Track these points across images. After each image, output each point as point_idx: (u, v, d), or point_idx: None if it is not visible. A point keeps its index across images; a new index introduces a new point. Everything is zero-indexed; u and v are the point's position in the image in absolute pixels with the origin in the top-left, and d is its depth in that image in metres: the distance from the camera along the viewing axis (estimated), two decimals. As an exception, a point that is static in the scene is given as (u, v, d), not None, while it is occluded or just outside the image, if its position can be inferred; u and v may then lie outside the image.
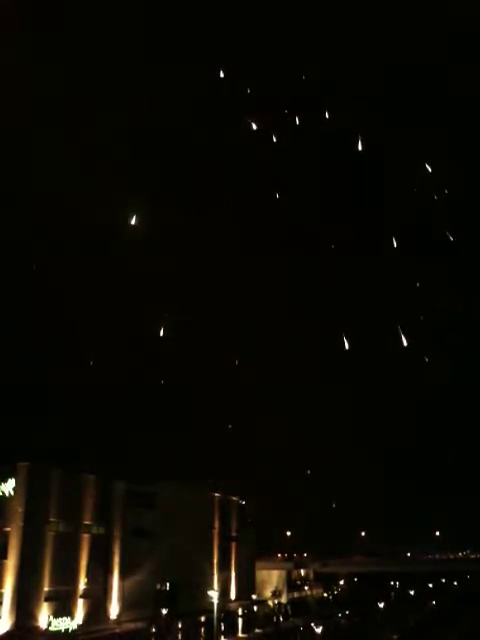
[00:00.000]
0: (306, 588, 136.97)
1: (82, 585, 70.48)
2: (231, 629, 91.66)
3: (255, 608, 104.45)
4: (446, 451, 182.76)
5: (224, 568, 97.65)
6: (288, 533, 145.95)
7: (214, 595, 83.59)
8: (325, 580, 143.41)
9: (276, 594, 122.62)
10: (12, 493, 65.74)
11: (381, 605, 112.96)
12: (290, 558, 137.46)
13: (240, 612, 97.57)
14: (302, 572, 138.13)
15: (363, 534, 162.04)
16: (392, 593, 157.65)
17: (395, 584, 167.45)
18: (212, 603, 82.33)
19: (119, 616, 74.10)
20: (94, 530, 73.80)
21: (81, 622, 68.35)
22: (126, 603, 75.41)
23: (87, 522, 72.92)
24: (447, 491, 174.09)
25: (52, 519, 68.08)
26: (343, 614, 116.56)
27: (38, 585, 65.10)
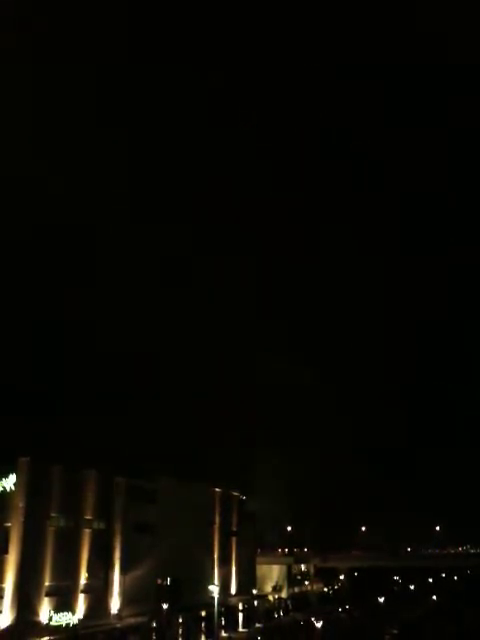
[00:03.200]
0: (306, 583, 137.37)
1: (83, 580, 70.64)
2: (232, 624, 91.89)
3: (255, 603, 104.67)
4: (445, 447, 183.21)
5: (225, 563, 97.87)
6: (288, 528, 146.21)
7: (215, 590, 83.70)
8: (325, 575, 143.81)
9: (276, 589, 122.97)
10: (13, 488, 65.84)
11: (381, 600, 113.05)
12: (290, 553, 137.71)
13: (240, 607, 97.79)
14: (302, 567, 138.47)
15: (363, 529, 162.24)
16: (395, 588, 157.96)
17: (396, 579, 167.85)
18: (213, 598, 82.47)
19: (120, 611, 74.28)
20: (95, 525, 73.93)
21: (82, 617, 68.50)
22: (127, 598, 75.57)
23: (88, 517, 73.05)
24: (447, 487, 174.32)
25: (53, 514, 68.23)
26: (343, 609, 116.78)
27: (39, 580, 65.27)
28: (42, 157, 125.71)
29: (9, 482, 65.96)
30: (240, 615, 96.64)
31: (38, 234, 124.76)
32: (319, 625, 79.23)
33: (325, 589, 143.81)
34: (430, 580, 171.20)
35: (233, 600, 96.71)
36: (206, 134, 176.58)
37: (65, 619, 66.03)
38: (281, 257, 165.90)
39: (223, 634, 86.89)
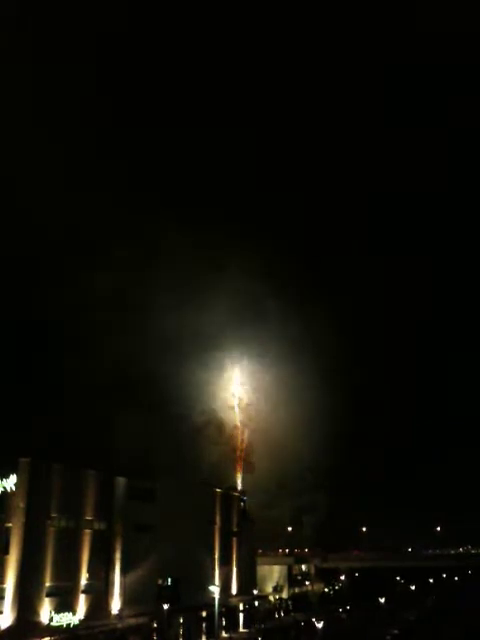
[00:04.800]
0: (307, 583, 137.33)
1: (83, 580, 70.52)
2: (232, 624, 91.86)
3: (256, 603, 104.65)
4: (446, 447, 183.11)
5: (225, 563, 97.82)
6: (289, 528, 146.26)
7: (215, 590, 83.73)
8: (326, 575, 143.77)
9: (277, 589, 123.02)
10: (14, 489, 65.74)
11: (382, 600, 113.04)
12: (291, 553, 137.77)
13: (241, 607, 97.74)
14: (303, 567, 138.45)
15: (364, 529, 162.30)
16: (396, 588, 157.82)
17: (396, 579, 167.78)
18: (213, 598, 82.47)
19: (120, 611, 74.22)
20: (95, 525, 73.80)
21: (82, 617, 68.44)
22: (127, 598, 75.53)
23: (88, 518, 72.93)
24: (448, 487, 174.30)
25: (53, 515, 68.09)
26: (344, 609, 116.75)
27: (40, 581, 65.18)
28: (41, 157, 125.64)
29: (10, 482, 65.88)
30: (241, 615, 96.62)
31: (37, 234, 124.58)
32: (320, 625, 79.19)
33: (326, 589, 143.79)
34: (431, 580, 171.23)
35: (234, 600, 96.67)
36: (206, 133, 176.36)
37: (66, 619, 65.95)
38: (280, 257, 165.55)
39: (224, 634, 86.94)
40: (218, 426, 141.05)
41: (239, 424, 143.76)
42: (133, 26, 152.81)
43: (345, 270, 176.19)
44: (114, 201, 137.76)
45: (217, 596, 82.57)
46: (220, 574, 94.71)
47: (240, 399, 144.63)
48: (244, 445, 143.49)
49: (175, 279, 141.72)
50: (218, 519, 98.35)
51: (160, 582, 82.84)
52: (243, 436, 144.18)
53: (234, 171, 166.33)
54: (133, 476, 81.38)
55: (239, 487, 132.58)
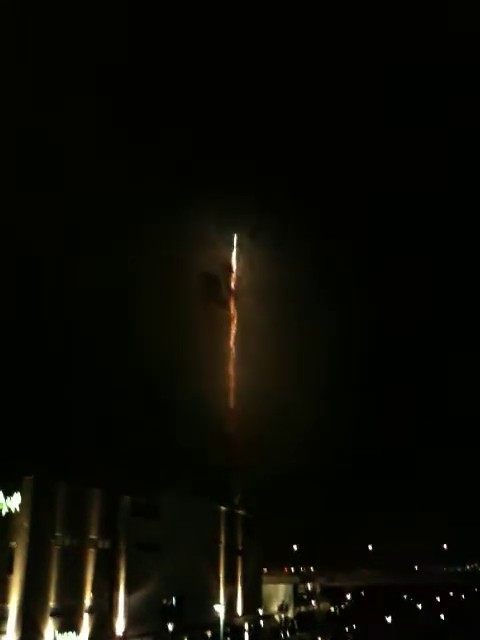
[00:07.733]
0: (313, 602, 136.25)
1: (88, 600, 70.00)
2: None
3: (262, 622, 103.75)
4: (451, 461, 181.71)
5: (230, 582, 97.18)
6: (294, 547, 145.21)
7: (220, 609, 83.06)
8: (332, 594, 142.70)
9: (283, 608, 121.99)
10: (17, 508, 65.45)
11: (388, 619, 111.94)
12: (296, 572, 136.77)
13: (246, 626, 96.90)
14: (309, 586, 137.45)
15: (370, 547, 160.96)
16: (404, 606, 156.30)
17: (402, 598, 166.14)
18: (218, 617, 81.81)
19: (125, 631, 73.63)
20: (100, 544, 73.40)
21: (87, 637, 67.92)
22: (132, 618, 74.91)
23: (93, 536, 72.59)
24: (455, 502, 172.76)
25: (57, 533, 67.77)
26: (350, 628, 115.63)
27: (44, 600, 64.75)
28: (41, 158, 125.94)
29: (14, 503, 65.32)
30: (246, 635, 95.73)
31: (37, 234, 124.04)
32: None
33: (332, 608, 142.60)
34: (437, 599, 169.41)
35: (239, 620, 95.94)
36: (205, 133, 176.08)
37: (70, 640, 65.51)
38: (278, 257, 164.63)
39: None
40: (219, 435, 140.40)
41: (238, 433, 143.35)
42: (133, 26, 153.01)
43: (344, 270, 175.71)
44: (114, 200, 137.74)
45: (222, 615, 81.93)
46: (225, 593, 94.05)
47: (237, 406, 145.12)
48: (244, 453, 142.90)
49: (174, 282, 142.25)
50: (223, 537, 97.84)
51: (165, 601, 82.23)
52: (241, 445, 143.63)
53: (232, 170, 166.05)
54: (137, 493, 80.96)
55: (240, 501, 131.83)
